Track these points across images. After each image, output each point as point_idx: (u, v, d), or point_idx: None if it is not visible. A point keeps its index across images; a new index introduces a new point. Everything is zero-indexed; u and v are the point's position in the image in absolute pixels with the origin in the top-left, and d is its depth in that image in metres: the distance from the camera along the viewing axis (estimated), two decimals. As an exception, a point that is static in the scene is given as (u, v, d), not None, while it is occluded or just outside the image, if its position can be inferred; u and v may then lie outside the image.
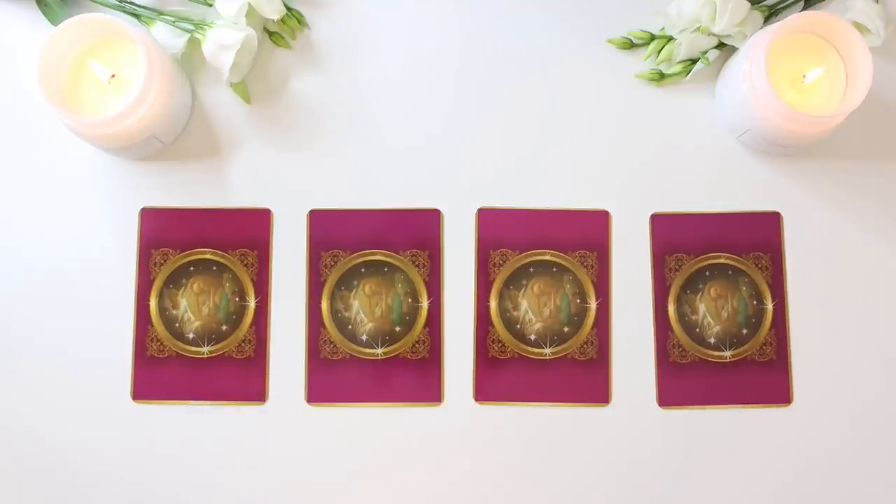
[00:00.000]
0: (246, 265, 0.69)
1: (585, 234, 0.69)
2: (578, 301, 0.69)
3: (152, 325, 0.69)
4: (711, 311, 0.69)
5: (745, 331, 0.68)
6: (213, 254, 0.69)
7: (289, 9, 0.71)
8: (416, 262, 0.69)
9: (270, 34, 0.71)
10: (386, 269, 0.69)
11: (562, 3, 0.72)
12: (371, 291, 0.69)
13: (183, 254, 0.69)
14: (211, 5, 0.69)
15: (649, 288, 0.69)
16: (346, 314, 0.69)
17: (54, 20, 0.70)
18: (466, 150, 0.71)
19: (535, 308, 0.69)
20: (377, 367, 0.69)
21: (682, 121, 0.71)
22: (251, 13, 0.68)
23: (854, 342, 0.68)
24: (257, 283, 0.69)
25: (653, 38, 0.71)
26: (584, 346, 0.69)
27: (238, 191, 0.70)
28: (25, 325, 0.69)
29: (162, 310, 0.69)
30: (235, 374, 0.68)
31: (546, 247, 0.69)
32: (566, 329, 0.69)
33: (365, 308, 0.69)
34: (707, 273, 0.69)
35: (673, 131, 0.71)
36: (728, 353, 0.68)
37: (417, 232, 0.70)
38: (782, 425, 0.68)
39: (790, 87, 0.66)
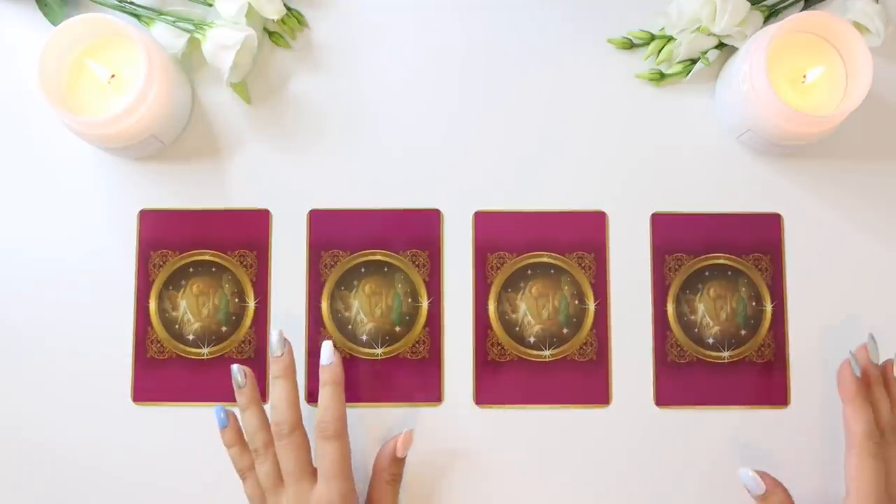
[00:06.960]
0: (245, 266, 0.69)
1: (581, 235, 0.69)
2: (577, 302, 0.69)
3: (152, 327, 0.69)
4: (710, 311, 0.69)
5: (743, 332, 0.68)
6: (212, 255, 0.69)
7: (289, 9, 0.71)
8: (416, 262, 0.69)
9: (270, 34, 0.71)
10: (386, 269, 0.69)
11: (562, 3, 0.72)
12: (371, 291, 0.69)
13: (182, 255, 0.69)
14: (211, 5, 0.68)
15: (648, 288, 0.69)
16: (346, 314, 0.69)
17: (54, 20, 0.70)
18: (466, 151, 0.70)
19: (534, 310, 0.69)
20: (377, 367, 0.69)
21: (682, 121, 0.71)
22: (251, 13, 0.68)
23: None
24: (257, 284, 0.69)
25: (653, 38, 0.71)
26: (584, 347, 0.69)
27: (237, 191, 0.70)
28: (24, 326, 0.69)
29: (161, 311, 0.69)
30: (235, 374, 0.68)
31: (543, 248, 0.69)
32: (565, 331, 0.69)
33: (365, 308, 0.69)
34: (706, 273, 0.69)
35: (673, 131, 0.71)
36: (726, 354, 0.68)
37: (417, 232, 0.70)
38: (779, 427, 0.68)
39: (790, 87, 0.66)
